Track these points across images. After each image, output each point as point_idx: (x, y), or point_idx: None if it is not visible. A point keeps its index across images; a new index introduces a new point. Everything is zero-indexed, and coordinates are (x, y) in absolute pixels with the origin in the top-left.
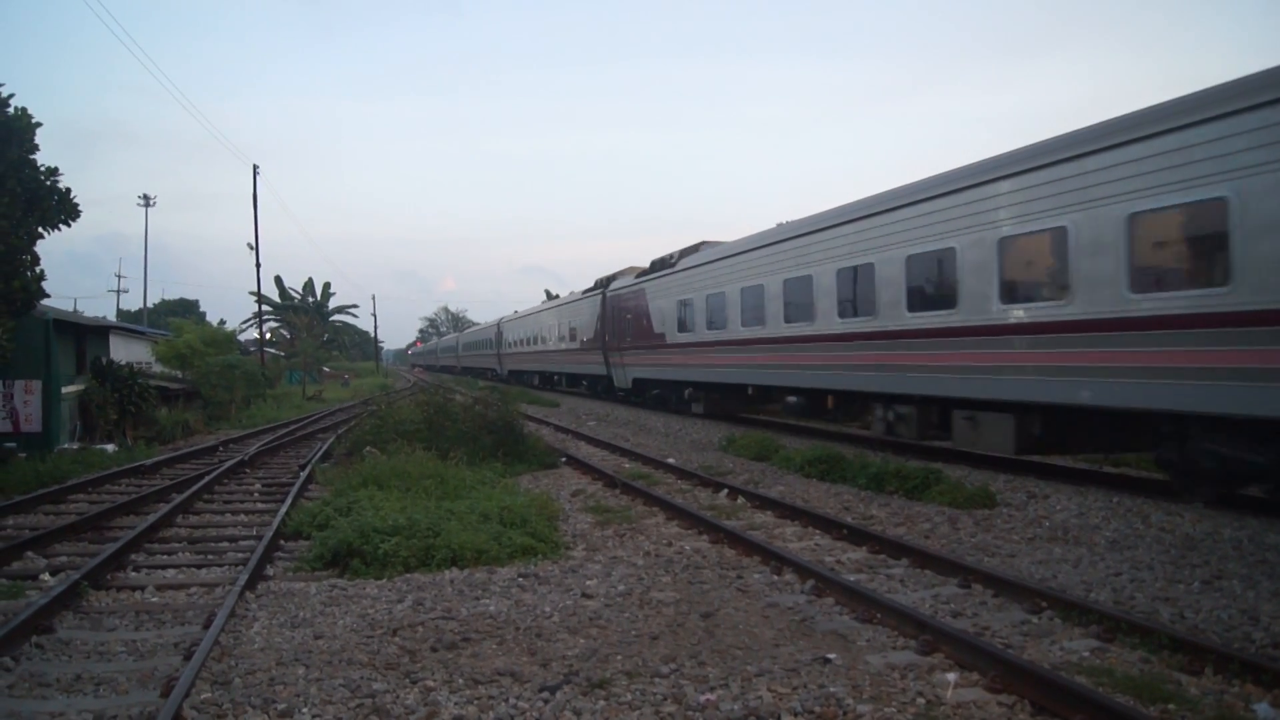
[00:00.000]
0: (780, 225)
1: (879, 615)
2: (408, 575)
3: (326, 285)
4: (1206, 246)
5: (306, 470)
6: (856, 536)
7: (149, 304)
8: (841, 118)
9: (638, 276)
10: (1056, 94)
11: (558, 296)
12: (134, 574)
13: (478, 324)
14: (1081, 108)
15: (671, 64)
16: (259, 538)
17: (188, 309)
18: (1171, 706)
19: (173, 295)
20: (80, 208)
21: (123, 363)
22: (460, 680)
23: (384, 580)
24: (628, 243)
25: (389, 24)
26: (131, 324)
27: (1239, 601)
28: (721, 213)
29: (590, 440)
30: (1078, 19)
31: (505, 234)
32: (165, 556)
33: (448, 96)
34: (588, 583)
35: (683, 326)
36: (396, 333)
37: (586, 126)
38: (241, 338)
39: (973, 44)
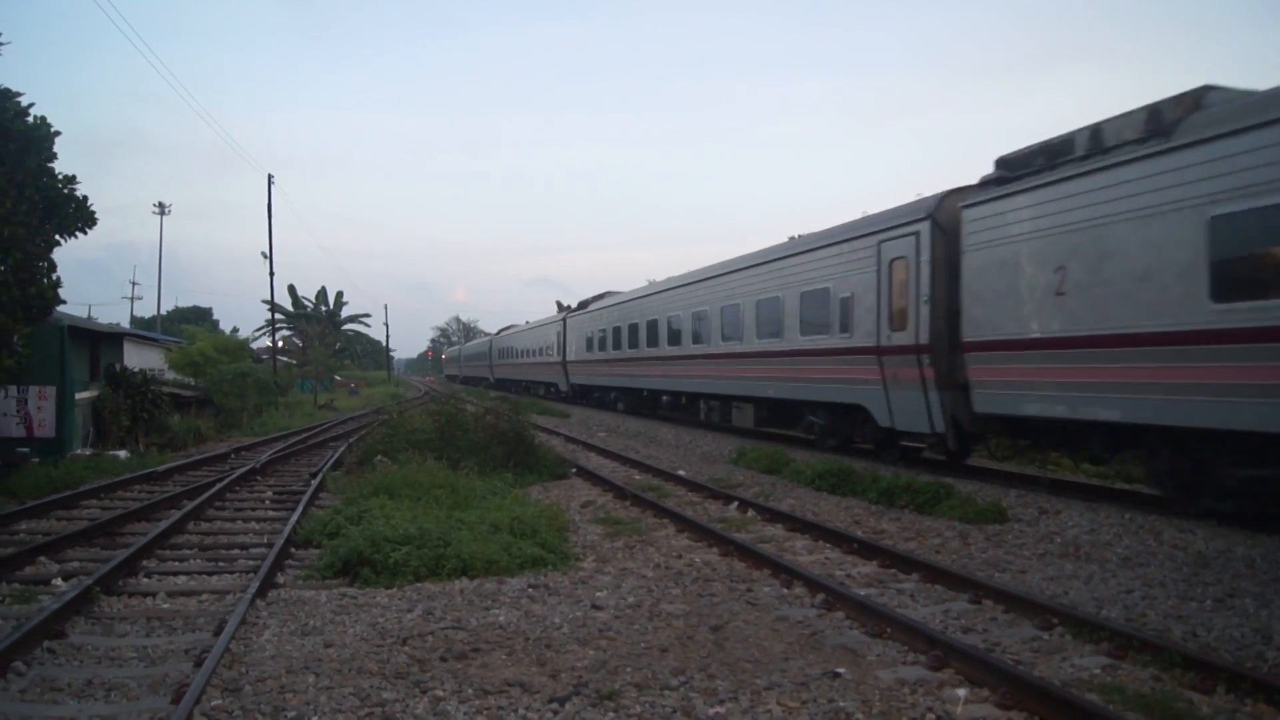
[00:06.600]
0: (645, 285)
1: (889, 630)
2: (418, 584)
3: (339, 294)
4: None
5: (318, 478)
6: (867, 551)
7: (162, 311)
8: (851, 133)
9: (577, 308)
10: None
11: (569, 308)
12: (146, 580)
13: (487, 334)
14: (1076, 121)
15: (686, 79)
16: (270, 545)
17: (201, 316)
18: None
19: (186, 303)
20: (97, 215)
21: (136, 369)
22: (470, 690)
23: (394, 589)
24: (637, 255)
25: (405, 39)
26: (145, 331)
27: (1252, 620)
28: (731, 224)
29: (600, 451)
30: (1065, 46)
31: (517, 245)
32: (177, 563)
33: (463, 111)
34: (597, 594)
35: (598, 347)
36: (408, 342)
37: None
38: (254, 346)
39: (969, 67)
